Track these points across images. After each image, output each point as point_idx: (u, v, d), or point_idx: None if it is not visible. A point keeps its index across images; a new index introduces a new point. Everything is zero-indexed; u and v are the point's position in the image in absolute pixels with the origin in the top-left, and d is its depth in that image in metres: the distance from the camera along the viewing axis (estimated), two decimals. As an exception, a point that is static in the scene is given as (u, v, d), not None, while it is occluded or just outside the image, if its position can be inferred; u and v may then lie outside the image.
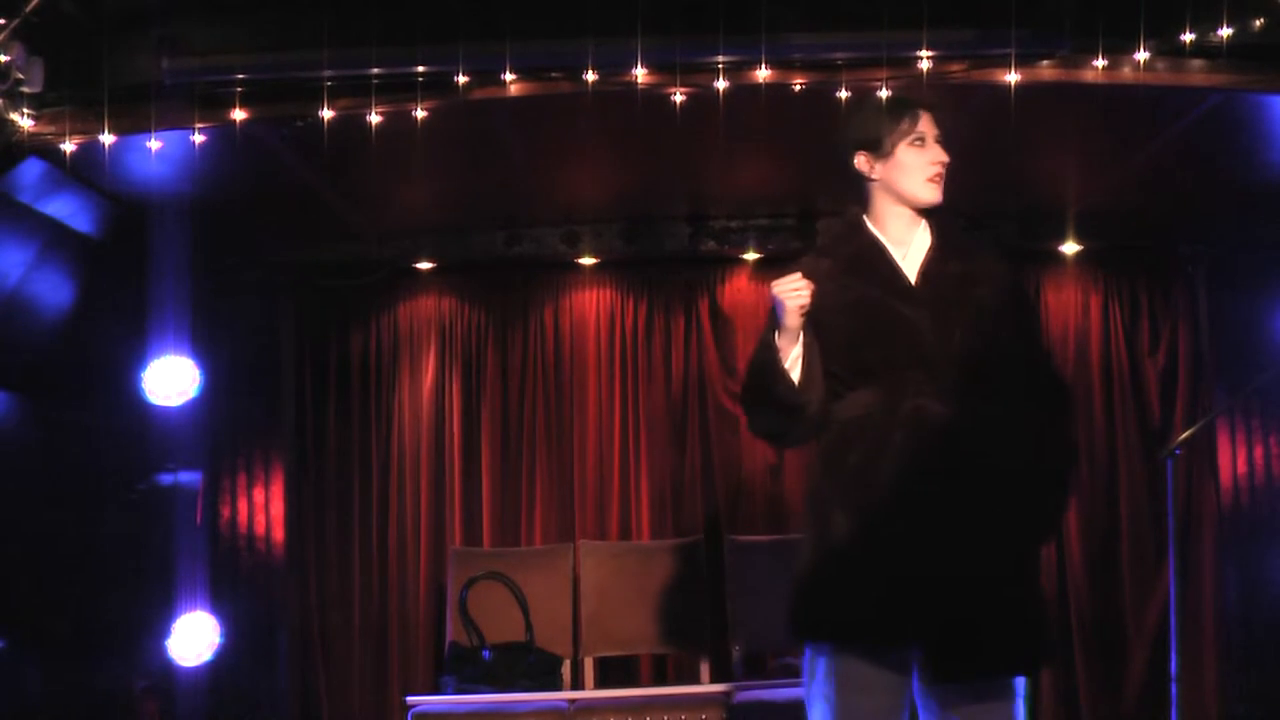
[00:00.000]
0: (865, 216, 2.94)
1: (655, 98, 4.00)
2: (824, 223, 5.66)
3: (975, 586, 2.67)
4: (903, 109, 2.89)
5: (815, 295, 2.83)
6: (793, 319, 2.81)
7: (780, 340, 2.84)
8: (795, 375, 2.84)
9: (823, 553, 2.76)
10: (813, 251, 2.99)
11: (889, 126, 2.87)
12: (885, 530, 2.70)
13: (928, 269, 2.86)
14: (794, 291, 2.79)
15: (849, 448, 2.78)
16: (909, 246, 2.89)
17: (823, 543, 2.76)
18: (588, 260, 5.95)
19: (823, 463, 2.85)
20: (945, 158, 2.89)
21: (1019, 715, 2.76)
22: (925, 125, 2.87)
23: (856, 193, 2.95)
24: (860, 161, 2.91)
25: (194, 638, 5.19)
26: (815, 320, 2.84)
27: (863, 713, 2.73)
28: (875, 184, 2.91)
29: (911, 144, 2.86)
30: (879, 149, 2.88)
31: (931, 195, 2.89)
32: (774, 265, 5.22)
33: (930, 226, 2.92)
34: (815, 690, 2.79)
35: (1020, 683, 2.77)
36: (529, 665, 5.19)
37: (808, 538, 2.83)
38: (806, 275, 2.86)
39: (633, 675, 5.79)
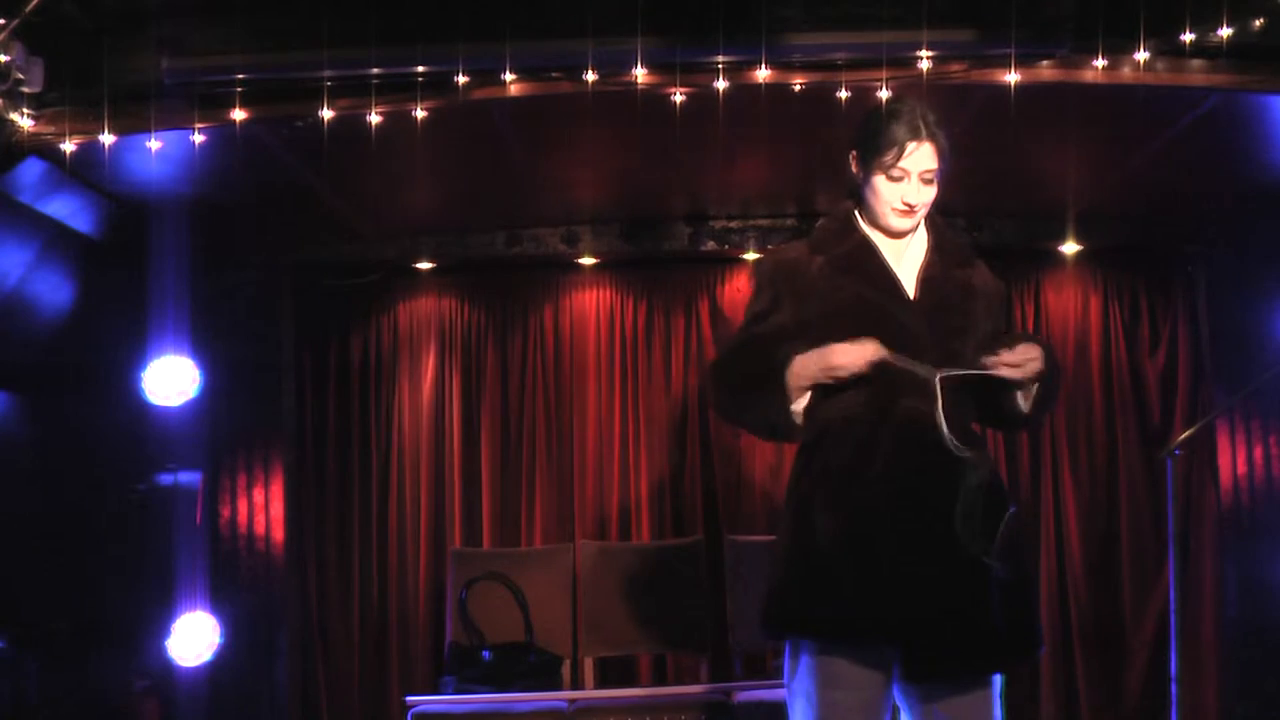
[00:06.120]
0: (858, 213, 2.90)
1: (655, 98, 4.00)
2: (822, 222, 5.66)
3: (958, 586, 2.67)
4: (893, 140, 2.77)
5: (809, 295, 2.81)
6: (839, 376, 2.73)
7: (795, 380, 2.77)
8: (799, 407, 2.80)
9: (805, 550, 2.75)
10: (804, 241, 2.94)
11: (873, 149, 2.80)
12: (870, 530, 2.69)
13: (927, 274, 2.84)
14: (861, 361, 2.71)
15: (835, 447, 2.77)
16: (904, 248, 2.87)
17: (805, 540, 2.75)
18: (588, 260, 5.95)
19: (807, 461, 2.83)
20: (922, 198, 2.80)
21: (998, 705, 2.77)
22: (915, 160, 2.78)
23: (851, 187, 2.93)
24: (851, 161, 2.88)
25: (194, 638, 5.19)
26: (807, 320, 2.81)
27: (844, 709, 2.72)
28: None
29: (889, 176, 2.80)
30: (863, 164, 2.84)
31: (898, 225, 2.83)
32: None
33: (926, 226, 2.90)
34: (796, 687, 2.79)
35: (998, 675, 2.78)
36: (529, 665, 5.19)
37: (787, 534, 2.81)
38: (797, 268, 2.84)
39: (633, 675, 5.79)
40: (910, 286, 2.83)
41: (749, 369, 2.84)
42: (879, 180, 2.81)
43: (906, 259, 2.87)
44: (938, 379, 2.68)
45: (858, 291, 2.80)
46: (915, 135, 2.78)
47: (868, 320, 2.76)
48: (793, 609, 2.76)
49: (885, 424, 2.73)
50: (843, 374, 2.72)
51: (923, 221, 2.89)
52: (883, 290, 2.81)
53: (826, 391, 2.80)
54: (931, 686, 2.72)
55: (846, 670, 2.72)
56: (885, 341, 2.72)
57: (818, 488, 2.77)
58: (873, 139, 2.80)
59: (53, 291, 4.80)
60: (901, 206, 2.81)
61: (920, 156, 2.79)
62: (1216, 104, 4.20)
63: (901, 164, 2.78)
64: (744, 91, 3.99)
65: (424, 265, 5.94)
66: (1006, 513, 2.72)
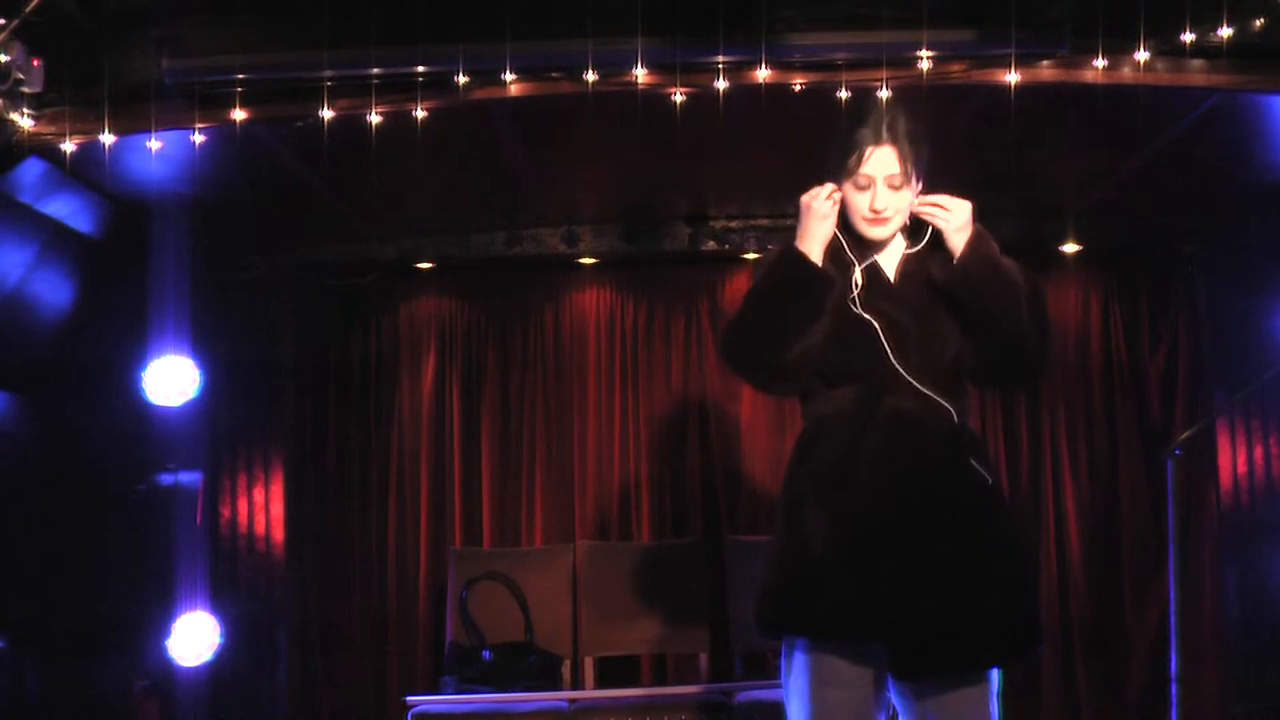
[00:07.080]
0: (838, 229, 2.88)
1: (655, 98, 4.00)
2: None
3: (946, 585, 2.68)
4: (853, 145, 2.77)
5: None
6: (824, 225, 2.77)
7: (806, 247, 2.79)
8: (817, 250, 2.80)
9: (795, 548, 2.77)
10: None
11: (838, 157, 2.80)
12: (858, 528, 2.71)
13: (906, 268, 2.87)
14: (826, 200, 2.76)
15: (827, 445, 2.79)
16: (887, 246, 2.89)
17: (795, 539, 2.77)
18: (588, 260, 5.95)
19: (797, 459, 2.85)
20: (891, 203, 2.78)
21: (993, 702, 2.77)
22: (876, 165, 2.76)
23: None
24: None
25: (194, 638, 5.19)
26: None
27: (836, 706, 2.75)
28: None
29: (855, 185, 2.79)
30: (833, 176, 2.83)
31: (872, 233, 2.83)
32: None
33: (907, 226, 2.90)
34: (791, 684, 2.82)
35: (994, 671, 2.79)
36: (529, 665, 5.19)
37: (780, 532, 2.84)
38: None
39: (633, 675, 5.79)
40: (891, 281, 2.86)
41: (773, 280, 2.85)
42: (847, 190, 2.81)
43: (888, 255, 2.89)
44: (859, 269, 2.82)
45: (843, 288, 2.82)
46: (875, 139, 2.77)
47: (851, 315, 2.79)
48: (784, 607, 2.78)
49: (872, 422, 2.75)
50: (812, 211, 2.78)
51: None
52: (867, 287, 2.82)
53: (818, 388, 2.84)
54: (922, 684, 2.74)
55: (838, 668, 2.75)
56: (872, 341, 2.77)
57: (809, 485, 2.79)
58: (838, 147, 2.81)
59: (53, 291, 4.79)
60: (869, 214, 2.80)
61: (881, 161, 2.77)
62: (1216, 104, 4.20)
63: (864, 170, 2.77)
64: (744, 91, 3.99)
65: (424, 265, 5.94)
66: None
